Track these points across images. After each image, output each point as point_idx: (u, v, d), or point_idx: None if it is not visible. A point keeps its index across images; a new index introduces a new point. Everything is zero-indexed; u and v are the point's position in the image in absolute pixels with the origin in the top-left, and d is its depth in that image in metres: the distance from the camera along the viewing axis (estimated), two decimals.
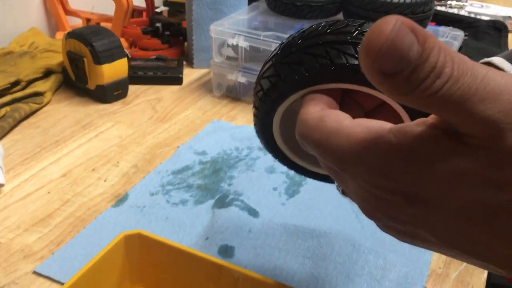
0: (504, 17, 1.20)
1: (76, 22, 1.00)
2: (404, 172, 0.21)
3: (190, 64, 0.92)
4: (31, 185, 0.57)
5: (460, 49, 0.85)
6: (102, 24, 0.94)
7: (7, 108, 0.68)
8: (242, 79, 0.76)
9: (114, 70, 0.74)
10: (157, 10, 1.06)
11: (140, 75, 0.83)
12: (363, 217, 0.26)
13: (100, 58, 0.72)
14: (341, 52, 0.27)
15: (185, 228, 0.51)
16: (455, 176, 0.20)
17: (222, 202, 0.54)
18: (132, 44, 0.94)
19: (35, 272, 0.45)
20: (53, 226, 0.51)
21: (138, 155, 0.64)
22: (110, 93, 0.75)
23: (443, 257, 0.49)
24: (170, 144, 0.66)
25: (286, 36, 0.37)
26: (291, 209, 0.54)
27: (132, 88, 0.80)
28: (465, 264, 0.48)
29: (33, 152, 0.63)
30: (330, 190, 0.57)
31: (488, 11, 1.24)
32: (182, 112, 0.75)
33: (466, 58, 0.18)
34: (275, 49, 0.31)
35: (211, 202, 0.55)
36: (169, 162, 0.62)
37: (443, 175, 0.20)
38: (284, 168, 0.61)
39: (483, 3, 1.31)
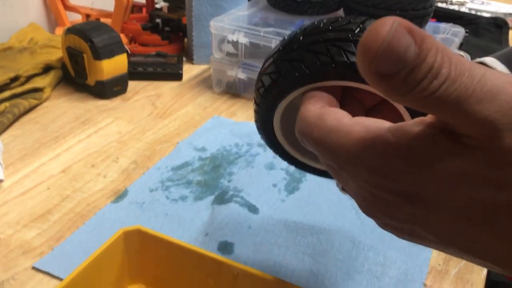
0: (505, 14, 1.20)
1: (76, 18, 1.00)
2: (403, 172, 0.21)
3: (190, 60, 0.91)
4: (31, 181, 0.57)
5: (461, 46, 0.85)
6: (102, 19, 0.93)
7: (6, 104, 0.68)
8: (242, 75, 0.76)
9: (113, 66, 0.74)
10: (157, 6, 1.06)
11: (140, 71, 0.82)
12: (363, 214, 0.26)
13: (100, 54, 0.71)
14: (342, 50, 0.27)
15: (184, 224, 0.51)
16: (454, 176, 0.20)
17: (222, 199, 0.54)
18: (131, 40, 0.94)
19: (34, 268, 0.45)
20: (53, 222, 0.51)
21: (138, 151, 0.63)
22: (109, 89, 0.75)
23: (443, 254, 0.49)
24: (170, 140, 0.66)
25: (287, 32, 0.37)
26: (291, 205, 0.54)
27: (131, 84, 0.80)
28: (464, 261, 0.48)
29: (33, 148, 0.63)
30: (329, 186, 0.57)
31: (489, 8, 1.24)
32: (182, 108, 0.75)
33: (463, 59, 0.18)
34: (277, 45, 0.31)
35: (210, 198, 0.55)
36: (169, 158, 0.62)
37: (442, 175, 0.20)
38: (283, 165, 0.61)
39: (483, 0, 1.31)
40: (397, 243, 0.49)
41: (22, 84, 0.73)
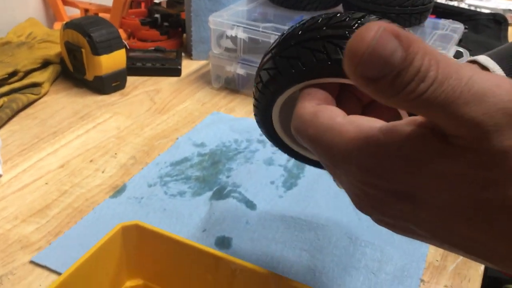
0: (504, 10, 1.19)
1: (74, 13, 1.00)
2: (394, 171, 0.22)
3: (189, 55, 0.91)
4: (29, 176, 0.57)
5: (460, 42, 0.84)
6: (101, 14, 0.93)
7: (5, 99, 0.68)
8: (240, 71, 0.76)
9: (112, 61, 0.73)
10: (156, 1, 1.05)
11: (139, 66, 0.82)
12: None
13: (98, 49, 0.71)
14: (339, 47, 0.27)
15: (182, 219, 0.51)
16: (444, 176, 0.20)
17: (220, 194, 0.54)
18: (130, 35, 0.94)
19: (32, 262, 0.45)
20: (51, 217, 0.51)
21: (136, 147, 0.63)
22: (108, 84, 0.75)
23: (441, 250, 0.49)
24: (168, 135, 0.66)
25: (285, 28, 0.37)
26: (289, 201, 0.54)
27: (130, 79, 0.80)
28: (462, 257, 0.49)
29: (31, 143, 0.63)
30: (327, 182, 0.57)
31: (488, 4, 1.24)
32: (181, 104, 0.75)
33: (452, 61, 0.19)
34: (276, 40, 0.32)
35: (209, 194, 0.55)
36: (168, 153, 0.62)
37: (432, 175, 0.21)
38: (282, 161, 0.61)
39: None
40: (394, 239, 0.49)
41: (21, 79, 0.73)
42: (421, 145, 0.21)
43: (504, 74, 0.41)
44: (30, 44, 0.81)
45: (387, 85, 0.18)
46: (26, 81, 0.72)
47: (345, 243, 0.48)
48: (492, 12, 1.17)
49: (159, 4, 1.05)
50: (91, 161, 0.60)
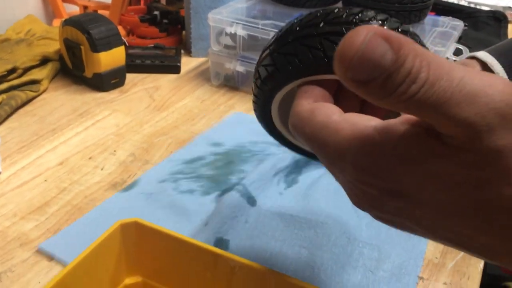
0: (504, 8, 1.19)
1: (73, 10, 0.99)
2: (389, 170, 0.22)
3: (188, 52, 0.91)
4: (28, 173, 0.57)
5: (460, 40, 0.84)
6: (100, 11, 0.93)
7: (4, 96, 0.68)
8: (240, 68, 0.76)
9: (111, 58, 0.73)
10: None
11: (138, 64, 0.82)
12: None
13: (97, 46, 0.71)
14: (335, 44, 0.27)
15: (188, 217, 0.51)
16: (438, 175, 0.21)
17: (225, 191, 0.54)
18: (129, 32, 0.93)
19: (32, 257, 0.45)
20: (50, 214, 0.51)
21: (135, 144, 0.63)
22: (107, 81, 0.75)
23: (440, 247, 0.49)
24: (168, 133, 0.66)
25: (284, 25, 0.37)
26: (289, 198, 0.54)
27: (129, 77, 0.80)
28: (461, 254, 0.49)
29: (30, 140, 0.63)
30: (328, 180, 0.57)
31: (488, 1, 1.23)
32: (180, 101, 0.75)
33: (444, 62, 0.19)
34: (274, 35, 0.32)
35: (218, 193, 0.55)
36: (183, 151, 0.62)
37: (425, 174, 0.21)
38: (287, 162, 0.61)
39: None
40: (393, 237, 0.49)
41: (20, 76, 0.72)
42: (416, 145, 0.21)
43: (503, 70, 0.41)
44: (29, 41, 0.80)
45: (377, 87, 0.19)
46: (25, 78, 0.72)
47: (344, 241, 0.48)
48: (492, 9, 1.17)
49: (158, 1, 1.05)
50: (90, 158, 0.60)
